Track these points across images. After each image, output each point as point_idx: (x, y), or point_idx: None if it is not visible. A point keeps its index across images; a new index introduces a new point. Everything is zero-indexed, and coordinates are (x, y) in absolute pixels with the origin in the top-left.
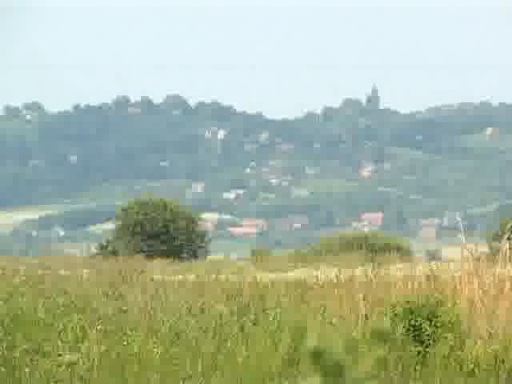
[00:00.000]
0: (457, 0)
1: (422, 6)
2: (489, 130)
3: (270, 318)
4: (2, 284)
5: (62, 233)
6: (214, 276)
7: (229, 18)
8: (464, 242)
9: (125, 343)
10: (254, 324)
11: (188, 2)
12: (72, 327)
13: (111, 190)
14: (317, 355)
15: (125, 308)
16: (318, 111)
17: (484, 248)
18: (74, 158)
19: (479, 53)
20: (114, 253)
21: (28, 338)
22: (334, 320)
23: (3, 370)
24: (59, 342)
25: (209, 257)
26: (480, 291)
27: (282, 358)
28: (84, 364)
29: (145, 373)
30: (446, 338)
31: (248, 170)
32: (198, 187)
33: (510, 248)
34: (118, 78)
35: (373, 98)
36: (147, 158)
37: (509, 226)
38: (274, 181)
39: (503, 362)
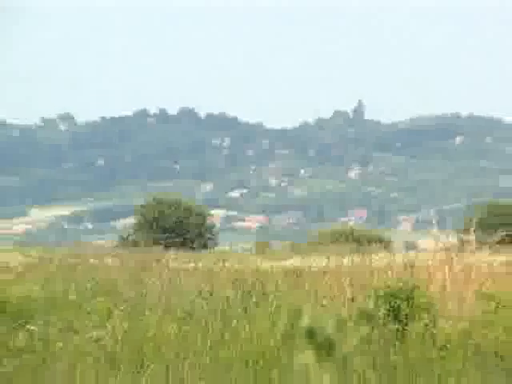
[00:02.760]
0: (432, 17)
1: (398, 25)
2: (458, 139)
3: (270, 301)
4: (39, 271)
5: (90, 226)
6: (221, 264)
7: (231, 40)
8: (437, 234)
9: (144, 322)
10: (256, 306)
11: (196, 25)
12: (99, 308)
13: (131, 190)
14: (310, 332)
15: (144, 292)
16: (311, 121)
17: (454, 240)
18: (100, 162)
19: (452, 69)
20: (134, 244)
21: (61, 317)
22: (325, 302)
23: (40, 344)
24: (88, 321)
25: (216, 247)
26: (450, 277)
27: (280, 335)
28: (109, 339)
29: (161, 347)
30: (421, 317)
31: (250, 172)
32: (207, 187)
33: (475, 240)
34: (137, 92)
35: (358, 110)
36: (162, 162)
37: (474, 221)
38: (273, 181)
39: (470, 336)
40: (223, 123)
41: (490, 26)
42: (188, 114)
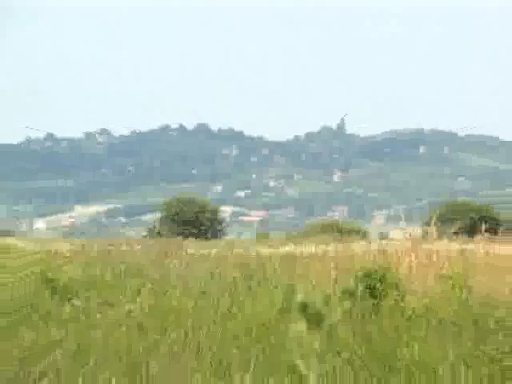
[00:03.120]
0: (400, 46)
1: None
2: (422, 148)
3: (269, 280)
4: (81, 257)
5: (123, 220)
6: (229, 251)
7: (237, 67)
8: (405, 227)
9: (167, 298)
10: (258, 285)
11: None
12: (130, 286)
13: (156, 190)
14: (303, 306)
15: (167, 273)
16: (303, 135)
17: (419, 231)
18: (130, 168)
19: (418, 91)
20: (159, 235)
21: (99, 294)
22: (314, 282)
23: (83, 315)
24: (121, 297)
25: (225, 237)
26: (415, 261)
27: (277, 309)
28: (138, 312)
29: (181, 318)
30: (392, 294)
31: (253, 176)
32: (218, 188)
33: (435, 231)
34: (162, 109)
35: (341, 125)
36: (181, 168)
37: (435, 216)
38: (272, 183)
39: (431, 310)
40: (232, 136)
41: (448, 55)
42: (203, 129)
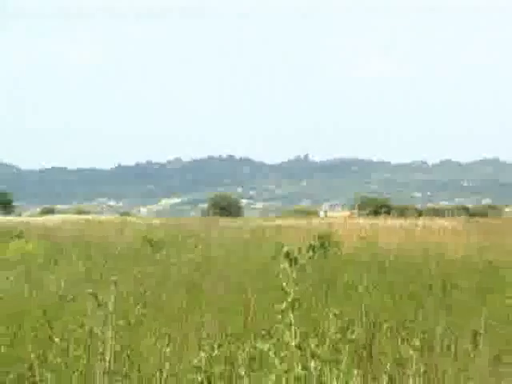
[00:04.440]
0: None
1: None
2: (353, 168)
3: (268, 238)
4: (165, 226)
5: (188, 208)
6: (245, 224)
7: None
8: (340, 210)
9: (212, 251)
10: (260, 242)
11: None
12: (190, 244)
13: (206, 190)
14: (286, 254)
15: (209, 236)
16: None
17: (348, 213)
18: (189, 179)
19: (355, 124)
20: (208, 215)
21: (174, 248)
22: (292, 241)
23: (167, 259)
24: (184, 249)
25: (243, 217)
26: (346, 229)
27: (272, 256)
28: (196, 258)
29: (218, 262)
30: (335, 247)
31: (262, 185)
32: (239, 189)
33: (358, 213)
34: (208, 141)
35: (305, 155)
36: (220, 182)
37: (356, 206)
38: (270, 187)
39: (355, 256)
40: (239, 162)
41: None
42: (226, 158)
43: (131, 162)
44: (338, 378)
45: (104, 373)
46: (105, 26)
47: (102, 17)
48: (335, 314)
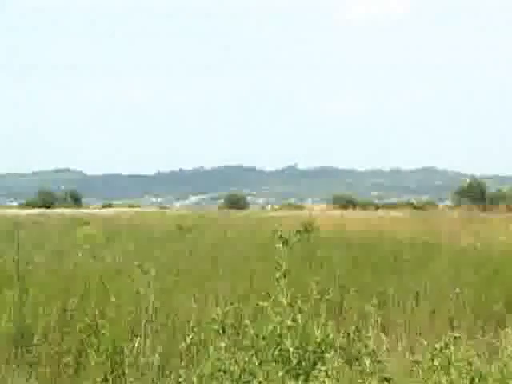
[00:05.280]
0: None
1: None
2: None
3: (267, 225)
4: (193, 214)
5: (209, 203)
6: (250, 215)
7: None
8: (318, 205)
9: (226, 233)
10: (261, 228)
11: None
12: (213, 228)
13: (221, 191)
14: (280, 237)
15: (225, 224)
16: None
17: (324, 207)
18: (210, 183)
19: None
20: (222, 209)
21: (199, 230)
22: (284, 227)
23: (192, 240)
24: (210, 231)
25: (248, 210)
26: (325, 218)
27: (269, 237)
28: (215, 239)
29: (230, 240)
30: (314, 231)
31: (261, 187)
32: (245, 190)
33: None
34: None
35: (295, 164)
36: (231, 184)
37: (331, 201)
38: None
39: (330, 237)
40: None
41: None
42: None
43: (167, 169)
44: (318, 328)
45: (147, 322)
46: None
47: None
48: (315, 281)
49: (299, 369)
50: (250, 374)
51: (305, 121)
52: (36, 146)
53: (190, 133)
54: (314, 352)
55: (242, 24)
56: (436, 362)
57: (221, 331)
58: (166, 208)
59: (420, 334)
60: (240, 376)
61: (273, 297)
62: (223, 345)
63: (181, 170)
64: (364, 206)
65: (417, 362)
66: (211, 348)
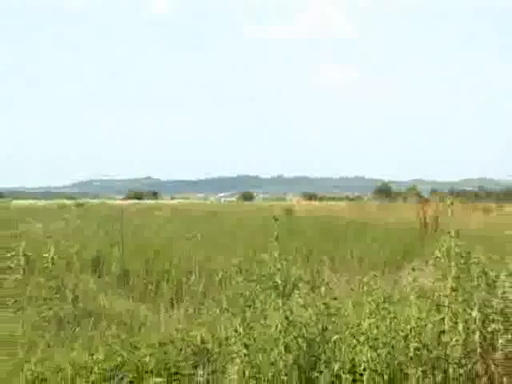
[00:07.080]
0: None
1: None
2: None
3: (265, 210)
4: (203, 206)
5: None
6: (255, 205)
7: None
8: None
9: (241, 215)
10: (262, 211)
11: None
12: (228, 218)
13: (237, 190)
14: (275, 219)
15: (239, 210)
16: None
17: (299, 199)
18: (231, 185)
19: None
20: (238, 202)
21: (226, 217)
22: (274, 211)
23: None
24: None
25: (255, 201)
26: (299, 206)
27: (267, 217)
28: (234, 219)
29: (244, 221)
30: (293, 215)
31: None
32: (252, 189)
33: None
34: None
35: (280, 175)
36: (243, 186)
37: (302, 196)
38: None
39: (306, 219)
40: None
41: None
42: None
43: (208, 176)
44: (296, 268)
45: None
46: None
47: None
48: (296, 248)
49: (284, 293)
50: (256, 296)
51: (290, 145)
52: (130, 158)
53: (223, 148)
54: (293, 283)
55: None
56: (364, 289)
57: (238, 271)
58: (206, 199)
59: (355, 273)
60: (249, 297)
61: (269, 251)
62: (240, 279)
63: (212, 177)
64: (321, 199)
65: (352, 290)
66: (233, 281)
